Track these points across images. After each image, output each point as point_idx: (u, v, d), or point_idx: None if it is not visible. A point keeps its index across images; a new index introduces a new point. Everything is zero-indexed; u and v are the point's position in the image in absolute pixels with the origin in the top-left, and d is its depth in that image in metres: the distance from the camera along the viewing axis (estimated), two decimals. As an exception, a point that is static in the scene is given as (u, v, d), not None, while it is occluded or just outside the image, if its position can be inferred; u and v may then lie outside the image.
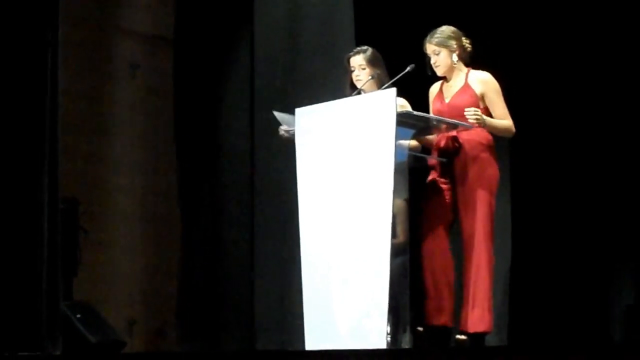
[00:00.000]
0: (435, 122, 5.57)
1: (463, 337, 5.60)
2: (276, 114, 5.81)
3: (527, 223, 7.03)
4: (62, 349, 5.23)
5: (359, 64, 5.90)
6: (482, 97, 5.72)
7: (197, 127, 7.33)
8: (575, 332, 6.80)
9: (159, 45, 8.02)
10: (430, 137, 5.75)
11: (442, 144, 5.69)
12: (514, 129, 5.75)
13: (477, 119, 5.56)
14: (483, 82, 5.75)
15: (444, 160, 5.69)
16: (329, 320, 5.38)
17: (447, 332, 5.64)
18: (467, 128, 5.62)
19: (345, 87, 5.99)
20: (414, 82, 5.75)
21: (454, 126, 5.61)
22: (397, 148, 5.24)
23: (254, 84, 6.96)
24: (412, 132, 5.56)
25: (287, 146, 5.79)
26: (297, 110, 5.67)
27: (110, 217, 7.81)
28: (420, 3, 7.05)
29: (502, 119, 5.72)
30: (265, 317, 6.79)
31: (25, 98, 5.15)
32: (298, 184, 5.60)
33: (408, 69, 5.69)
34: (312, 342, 5.46)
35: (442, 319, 5.65)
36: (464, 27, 5.90)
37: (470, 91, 5.73)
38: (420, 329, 5.63)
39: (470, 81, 5.76)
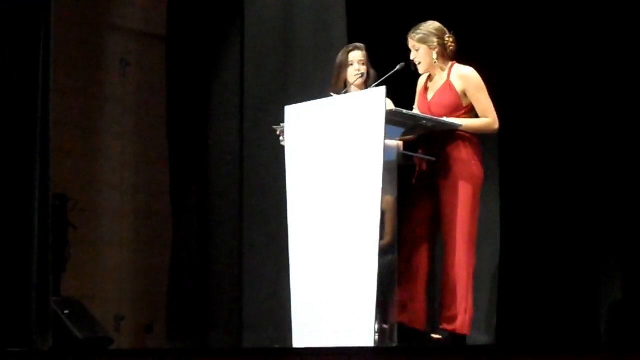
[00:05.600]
0: (424, 121, 5.57)
1: (438, 336, 5.58)
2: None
3: (515, 222, 7.03)
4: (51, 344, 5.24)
5: (359, 59, 5.94)
6: (465, 94, 5.72)
7: (188, 124, 7.33)
8: (564, 331, 6.81)
9: (150, 42, 8.03)
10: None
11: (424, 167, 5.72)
12: (495, 126, 5.69)
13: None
14: (464, 77, 5.71)
15: (433, 159, 5.69)
16: (317, 317, 5.38)
17: (418, 334, 5.63)
18: (455, 127, 5.62)
19: (338, 83, 5.98)
20: (401, 81, 5.77)
21: (442, 124, 5.61)
22: (386, 146, 5.25)
23: (243, 82, 6.96)
24: (401, 130, 5.56)
25: (276, 144, 5.80)
26: (287, 108, 5.67)
27: (99, 214, 7.81)
28: (413, 2, 7.06)
29: (485, 115, 5.68)
30: (254, 315, 6.79)
31: (16, 95, 5.15)
32: (287, 181, 5.60)
33: (398, 67, 5.70)
34: (300, 339, 5.47)
35: (416, 321, 5.65)
36: (456, 24, 5.90)
37: (451, 88, 5.71)
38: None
39: (452, 78, 5.73)
